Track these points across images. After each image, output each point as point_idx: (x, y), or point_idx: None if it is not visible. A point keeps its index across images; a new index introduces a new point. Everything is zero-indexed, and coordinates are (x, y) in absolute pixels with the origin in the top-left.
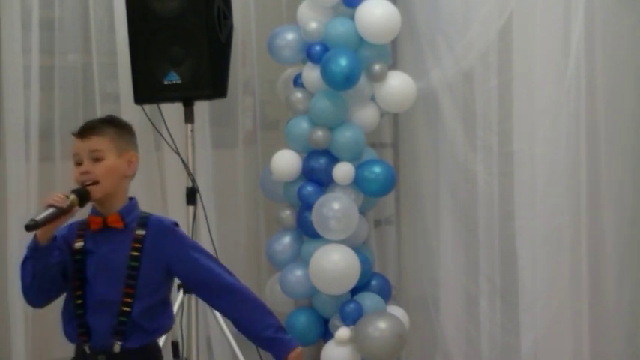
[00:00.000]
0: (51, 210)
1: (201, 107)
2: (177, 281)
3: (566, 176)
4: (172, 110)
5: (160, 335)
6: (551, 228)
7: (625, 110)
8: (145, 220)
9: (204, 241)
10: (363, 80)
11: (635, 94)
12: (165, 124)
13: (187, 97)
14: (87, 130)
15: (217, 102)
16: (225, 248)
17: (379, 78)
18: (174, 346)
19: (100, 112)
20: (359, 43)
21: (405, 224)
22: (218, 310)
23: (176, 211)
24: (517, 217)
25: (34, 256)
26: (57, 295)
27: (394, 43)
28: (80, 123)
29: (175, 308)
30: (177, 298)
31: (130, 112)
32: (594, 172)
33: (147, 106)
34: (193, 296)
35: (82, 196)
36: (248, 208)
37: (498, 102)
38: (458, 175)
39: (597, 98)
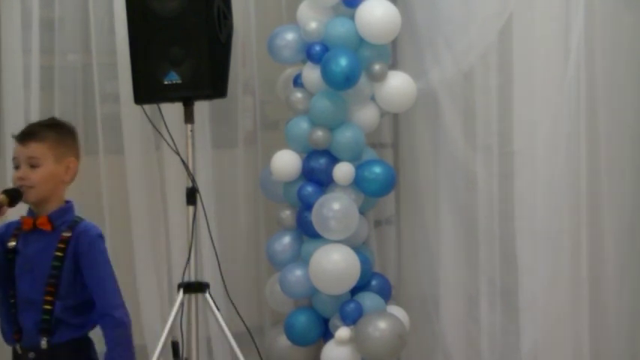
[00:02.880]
0: None
1: (201, 107)
2: (177, 280)
3: (566, 176)
4: (172, 110)
5: (89, 329)
6: (551, 228)
7: (625, 110)
8: (74, 224)
9: (204, 241)
10: (363, 80)
11: (635, 94)
12: (165, 124)
13: (187, 97)
14: (26, 135)
15: (217, 102)
16: (225, 248)
17: (379, 78)
18: (174, 346)
19: (100, 112)
20: (359, 43)
21: (405, 224)
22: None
23: (176, 211)
24: (517, 218)
25: None
26: None
27: (394, 43)
28: (80, 123)
29: (175, 308)
30: (178, 298)
31: (130, 112)
32: (594, 172)
33: (147, 106)
34: (193, 296)
35: (13, 196)
36: (248, 208)
37: (498, 102)
38: (458, 175)
39: (597, 98)
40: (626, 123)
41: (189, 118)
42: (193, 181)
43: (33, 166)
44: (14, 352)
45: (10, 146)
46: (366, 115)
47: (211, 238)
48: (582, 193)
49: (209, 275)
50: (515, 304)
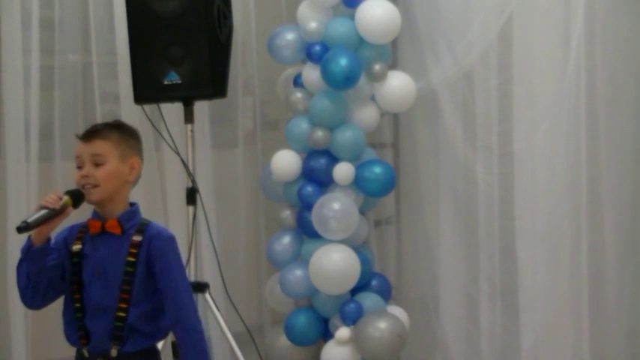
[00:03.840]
0: (43, 211)
1: (201, 107)
2: None
3: (566, 176)
4: (172, 110)
5: (160, 339)
6: (551, 228)
7: (625, 110)
8: (144, 227)
9: (204, 241)
10: (363, 80)
11: (635, 94)
12: (165, 124)
13: (187, 97)
14: (91, 134)
15: (217, 102)
16: (225, 248)
17: (379, 78)
18: (175, 346)
19: (99, 112)
20: (359, 43)
21: (405, 224)
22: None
23: (176, 211)
24: (517, 217)
25: (29, 258)
26: (54, 298)
27: (394, 43)
28: (80, 123)
29: None
30: None
31: (130, 112)
32: (594, 172)
33: (147, 106)
34: (193, 296)
35: (77, 197)
36: (248, 208)
37: (498, 102)
38: (458, 175)
39: (597, 98)
40: (626, 122)
41: (189, 118)
42: (193, 181)
43: (97, 165)
44: (80, 355)
45: (10, 146)
46: (366, 115)
47: (211, 238)
48: (582, 192)
49: (209, 275)
50: (516, 304)
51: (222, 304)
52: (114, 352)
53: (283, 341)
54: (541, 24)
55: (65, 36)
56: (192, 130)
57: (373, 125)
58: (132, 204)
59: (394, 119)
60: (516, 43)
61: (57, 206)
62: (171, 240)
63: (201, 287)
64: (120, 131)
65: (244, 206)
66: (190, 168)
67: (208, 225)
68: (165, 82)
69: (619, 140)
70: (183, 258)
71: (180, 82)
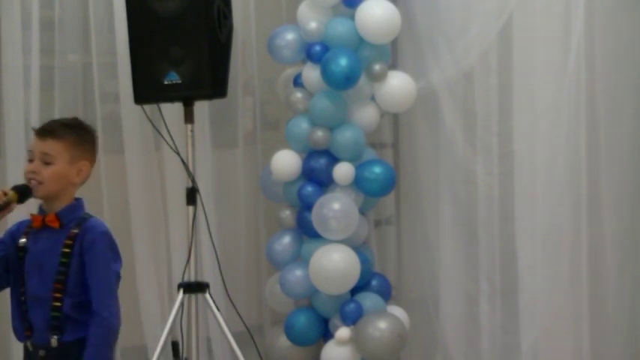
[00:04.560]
0: None
1: (201, 107)
2: (177, 280)
3: (566, 176)
4: (172, 110)
5: None
6: (551, 228)
7: (625, 110)
8: (82, 221)
9: (204, 241)
10: (363, 80)
11: (635, 94)
12: (165, 124)
13: (187, 97)
14: (45, 132)
15: (217, 102)
16: (225, 248)
17: (379, 78)
18: (174, 346)
19: (100, 112)
20: (359, 43)
21: (405, 224)
22: None
23: (176, 211)
24: (517, 217)
25: None
26: None
27: (394, 43)
28: None
29: (175, 308)
30: (178, 298)
31: (130, 112)
32: (594, 172)
33: (147, 106)
34: (193, 296)
35: (23, 193)
36: (248, 208)
37: (498, 102)
38: (458, 175)
39: (597, 98)
40: (626, 122)
41: (189, 118)
42: (193, 181)
43: (46, 163)
44: (25, 349)
45: (10, 146)
46: (366, 115)
47: (211, 238)
48: (582, 192)
49: (209, 275)
50: (515, 304)
51: (222, 304)
52: (54, 343)
53: (283, 341)
54: (541, 24)
55: (65, 36)
56: (192, 130)
57: (373, 125)
58: (76, 199)
59: (394, 119)
60: (516, 43)
61: (0, 202)
62: (102, 234)
63: (201, 287)
64: (75, 133)
65: (244, 206)
66: (190, 168)
67: (208, 225)
68: (166, 82)
69: (619, 140)
70: (184, 258)
71: (180, 82)
